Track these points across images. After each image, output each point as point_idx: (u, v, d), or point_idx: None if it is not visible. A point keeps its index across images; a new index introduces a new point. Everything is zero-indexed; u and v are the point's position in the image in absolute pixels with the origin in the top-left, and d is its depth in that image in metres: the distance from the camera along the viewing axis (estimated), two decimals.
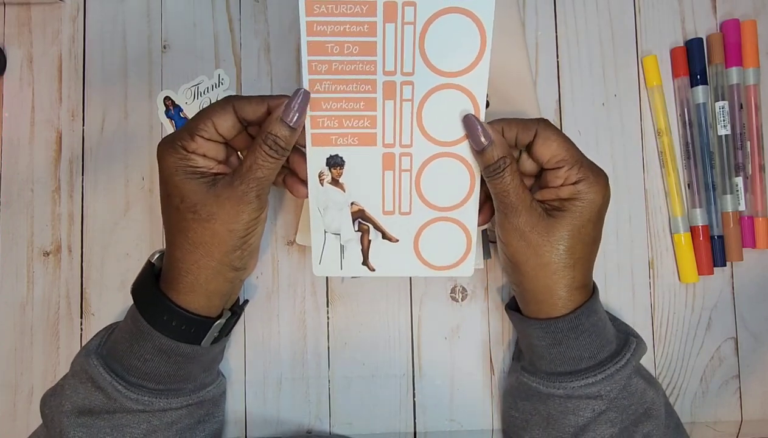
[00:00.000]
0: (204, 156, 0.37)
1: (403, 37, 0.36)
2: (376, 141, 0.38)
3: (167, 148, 0.36)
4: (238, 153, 0.40)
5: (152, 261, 0.41)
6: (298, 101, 0.35)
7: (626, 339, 0.41)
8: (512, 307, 0.44)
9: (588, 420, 0.39)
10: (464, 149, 0.38)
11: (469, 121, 0.37)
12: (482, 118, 0.38)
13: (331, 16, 0.35)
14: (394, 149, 0.38)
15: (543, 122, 0.38)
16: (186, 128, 0.36)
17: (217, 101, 0.37)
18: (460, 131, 0.38)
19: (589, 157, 0.38)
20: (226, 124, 0.36)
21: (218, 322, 0.39)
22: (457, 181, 0.39)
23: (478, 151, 0.37)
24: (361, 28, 0.35)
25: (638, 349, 0.40)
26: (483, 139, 0.37)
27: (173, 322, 0.37)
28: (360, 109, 0.37)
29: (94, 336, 0.42)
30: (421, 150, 0.38)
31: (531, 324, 0.40)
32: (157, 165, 0.47)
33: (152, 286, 0.39)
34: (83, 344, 0.43)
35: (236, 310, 0.43)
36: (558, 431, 0.40)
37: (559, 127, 0.48)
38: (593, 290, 0.40)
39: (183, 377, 0.40)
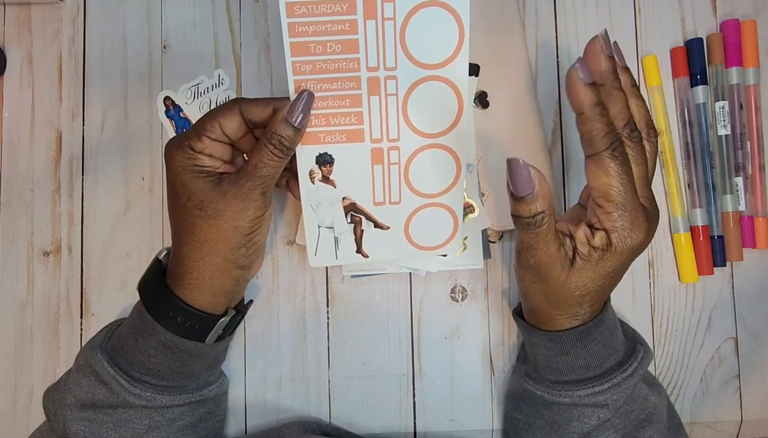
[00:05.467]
0: (210, 156, 0.37)
1: (383, 32, 0.36)
2: (364, 137, 0.38)
3: (175, 147, 0.37)
4: (244, 155, 0.41)
5: (159, 258, 0.41)
6: (302, 102, 0.36)
7: (633, 346, 0.41)
8: (519, 312, 0.43)
9: (592, 427, 0.38)
10: (449, 140, 0.39)
11: (513, 167, 0.33)
12: (468, 113, 0.37)
13: (312, 16, 0.35)
14: (381, 144, 0.39)
15: (615, 147, 0.32)
16: (194, 129, 0.37)
17: (225, 103, 0.37)
18: (445, 122, 0.38)
19: None
20: (232, 125, 0.37)
21: (222, 319, 0.40)
22: (443, 170, 0.40)
23: (515, 198, 0.34)
24: (342, 26, 0.35)
25: (645, 357, 0.40)
26: (525, 190, 0.33)
27: (178, 318, 0.38)
28: (346, 106, 0.37)
29: (99, 331, 0.43)
30: (408, 143, 0.39)
31: (538, 334, 0.39)
32: (157, 165, 0.48)
33: (158, 282, 0.39)
34: (83, 344, 0.43)
35: (241, 309, 0.43)
36: (561, 437, 0.40)
37: (561, 132, 0.48)
38: (605, 303, 0.39)
39: (186, 374, 0.40)
